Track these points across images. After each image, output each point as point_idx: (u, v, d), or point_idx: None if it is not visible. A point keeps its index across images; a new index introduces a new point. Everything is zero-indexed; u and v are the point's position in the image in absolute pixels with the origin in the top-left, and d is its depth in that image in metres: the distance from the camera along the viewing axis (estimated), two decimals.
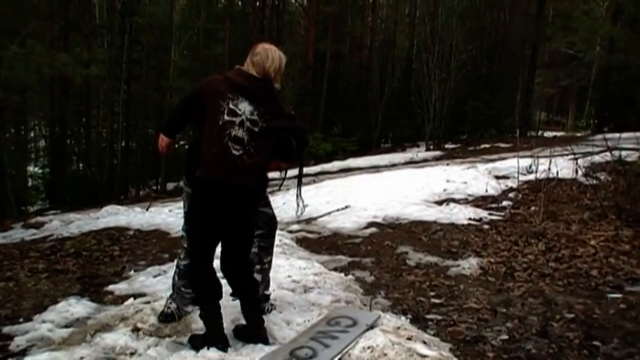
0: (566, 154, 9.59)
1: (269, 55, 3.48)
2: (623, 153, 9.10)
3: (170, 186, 15.98)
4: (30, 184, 19.58)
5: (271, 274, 4.93)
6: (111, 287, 5.02)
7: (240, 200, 3.44)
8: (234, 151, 3.31)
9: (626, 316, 4.08)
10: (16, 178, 16.62)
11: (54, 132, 19.31)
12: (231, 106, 3.34)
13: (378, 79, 22.36)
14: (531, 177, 9.34)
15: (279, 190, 9.57)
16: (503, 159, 12.33)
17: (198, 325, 3.87)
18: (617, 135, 10.87)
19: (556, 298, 4.44)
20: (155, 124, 19.34)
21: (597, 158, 10.33)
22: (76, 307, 4.45)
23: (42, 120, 24.80)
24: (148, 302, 4.43)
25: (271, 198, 9.49)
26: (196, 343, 3.51)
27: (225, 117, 3.32)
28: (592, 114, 31.00)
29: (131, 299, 4.57)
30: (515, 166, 9.31)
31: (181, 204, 9.43)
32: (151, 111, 19.16)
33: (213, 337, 3.48)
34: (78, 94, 19.05)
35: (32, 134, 28.62)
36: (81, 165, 18.42)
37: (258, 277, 4.02)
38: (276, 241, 6.14)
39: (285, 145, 3.52)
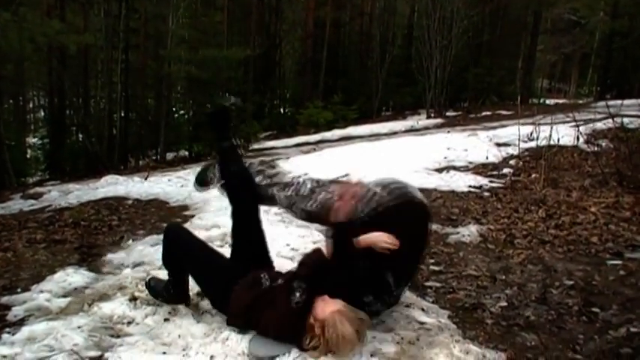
0: (568, 122, 9.51)
1: None
2: (626, 120, 9.02)
3: (169, 155, 15.95)
4: (29, 155, 19.54)
5: (270, 242, 4.93)
6: (109, 257, 4.99)
7: None
8: None
9: (626, 283, 4.07)
10: (15, 149, 16.55)
11: (52, 103, 19.20)
12: None
13: (379, 47, 22.13)
14: (532, 144, 9.29)
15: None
16: (505, 126, 12.27)
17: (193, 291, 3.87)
18: (619, 102, 10.80)
19: (556, 265, 4.42)
20: (154, 94, 19.22)
21: (599, 125, 10.27)
22: (74, 276, 4.43)
23: (40, 91, 24.67)
24: (146, 271, 4.42)
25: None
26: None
27: None
28: (594, 81, 30.79)
29: (129, 269, 4.56)
30: (516, 134, 9.24)
31: (180, 173, 9.41)
32: (149, 80, 19.01)
33: None
34: (76, 65, 18.90)
35: (31, 105, 28.51)
36: (80, 135, 18.33)
37: None
38: (275, 209, 6.13)
39: None
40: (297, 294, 3.09)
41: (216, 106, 3.89)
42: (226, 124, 3.89)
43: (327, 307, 2.93)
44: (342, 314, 2.89)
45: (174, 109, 19.90)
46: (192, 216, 6.30)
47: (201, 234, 5.24)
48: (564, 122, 9.77)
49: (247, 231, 3.63)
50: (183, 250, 3.59)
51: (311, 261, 3.29)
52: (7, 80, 16.77)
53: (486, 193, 6.81)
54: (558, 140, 8.65)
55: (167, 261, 3.71)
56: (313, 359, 2.90)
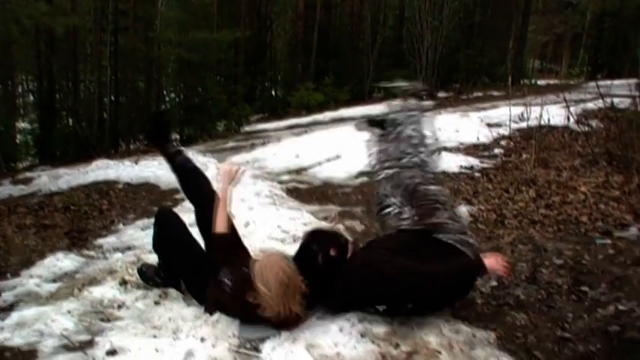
0: (559, 102, 9.50)
1: None
2: (616, 100, 9.02)
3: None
4: (19, 139, 19.39)
5: (260, 225, 4.94)
6: (99, 241, 5.00)
7: None
8: None
9: (615, 262, 4.08)
10: (4, 134, 16.44)
11: (41, 86, 19.02)
12: None
13: (370, 28, 22.02)
14: (523, 125, 9.27)
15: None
16: (496, 107, 12.24)
17: None
18: (609, 82, 10.79)
19: (545, 244, 4.43)
20: (144, 77, 19.06)
21: (590, 105, 10.28)
22: (64, 261, 4.44)
23: (29, 75, 24.44)
24: (137, 255, 4.41)
25: (262, 149, 9.50)
26: None
27: None
28: (586, 61, 30.78)
29: (119, 253, 4.55)
30: (507, 114, 9.22)
31: None
32: (140, 63, 18.84)
33: None
34: (64, 48, 18.69)
35: (20, 89, 28.26)
36: (70, 120, 18.19)
37: None
38: (266, 192, 6.16)
39: None
40: (225, 280, 3.19)
41: (153, 117, 3.96)
42: (165, 129, 4.02)
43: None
44: (263, 265, 2.99)
45: (164, 92, 19.77)
46: (183, 199, 6.27)
47: (190, 217, 5.24)
48: (555, 103, 9.76)
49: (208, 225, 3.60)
50: (173, 236, 3.58)
51: (216, 245, 3.44)
52: None
53: (477, 174, 6.81)
54: (549, 120, 8.64)
55: (157, 246, 3.70)
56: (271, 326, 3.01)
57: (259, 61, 22.24)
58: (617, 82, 10.83)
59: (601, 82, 13.58)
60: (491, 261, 3.01)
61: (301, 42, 21.59)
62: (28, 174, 9.95)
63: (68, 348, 3.03)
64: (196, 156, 9.16)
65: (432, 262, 2.96)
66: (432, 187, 3.43)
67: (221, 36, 15.95)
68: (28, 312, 3.45)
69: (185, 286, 3.61)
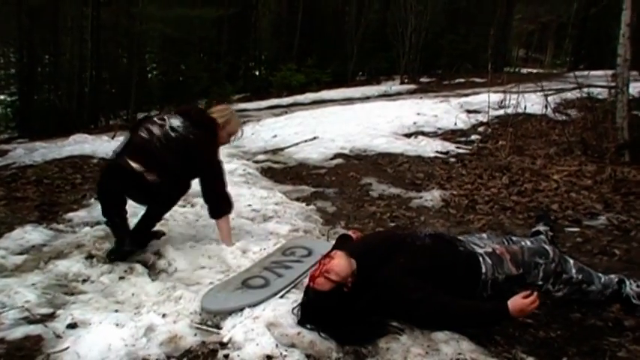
0: (539, 90, 9.55)
1: None
2: (597, 90, 9.08)
3: (140, 115, 15.66)
4: None
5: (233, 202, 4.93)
6: (69, 215, 4.94)
7: None
8: None
9: (581, 250, 4.14)
10: None
11: (22, 59, 18.73)
12: None
13: (355, 10, 21.92)
14: (502, 112, 9.33)
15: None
16: (477, 94, 12.28)
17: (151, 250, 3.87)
18: (589, 72, 10.85)
19: (515, 230, 4.47)
20: (127, 53, 18.83)
21: (569, 95, 10.34)
22: (32, 234, 4.39)
23: (10, 47, 24.05)
24: (105, 230, 4.38)
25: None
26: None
27: None
28: (570, 51, 30.87)
29: (88, 227, 4.52)
30: (487, 101, 9.28)
31: None
32: (121, 39, 18.60)
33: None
34: (46, 20, 18.39)
35: (2, 61, 27.83)
36: (50, 93, 17.95)
37: None
38: (240, 171, 6.14)
39: None
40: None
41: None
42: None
43: None
44: None
45: (147, 69, 19.56)
46: None
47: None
48: (536, 91, 9.81)
49: None
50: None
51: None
52: None
53: (452, 159, 6.84)
54: (525, 108, 8.71)
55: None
56: None
57: (243, 40, 22.04)
58: (596, 72, 10.93)
59: (584, 72, 13.70)
60: (517, 308, 2.77)
61: (285, 21, 21.45)
62: (4, 146, 9.86)
63: (29, 320, 3.00)
64: None
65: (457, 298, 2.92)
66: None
67: (204, 12, 15.79)
68: None
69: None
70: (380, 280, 2.93)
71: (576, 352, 2.85)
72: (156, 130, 3.82)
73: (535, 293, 2.81)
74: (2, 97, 21.24)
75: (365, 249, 3.16)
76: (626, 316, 3.14)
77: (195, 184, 4.05)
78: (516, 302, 2.78)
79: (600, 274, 3.27)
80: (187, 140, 3.83)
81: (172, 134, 3.81)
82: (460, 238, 3.27)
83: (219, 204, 3.97)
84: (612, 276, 3.31)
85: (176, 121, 3.88)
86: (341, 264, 2.90)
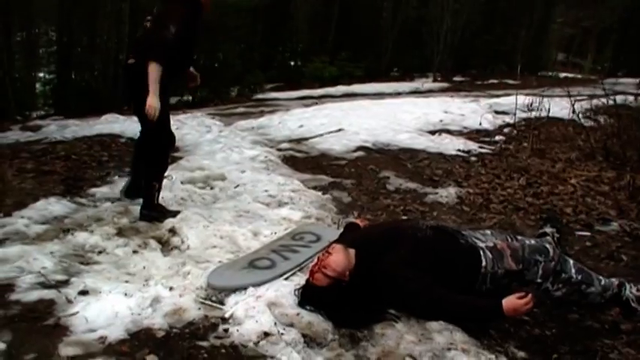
0: (569, 95, 9.48)
1: None
2: (630, 98, 8.99)
3: (173, 100, 15.87)
4: (38, 89, 19.53)
5: (249, 188, 5.06)
6: (93, 190, 5.11)
7: None
8: None
9: (589, 254, 4.17)
10: (21, 82, 16.57)
11: (61, 39, 19.07)
12: None
13: (392, 6, 21.85)
14: (531, 114, 9.30)
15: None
16: (509, 95, 12.20)
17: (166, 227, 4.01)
18: (629, 80, 10.75)
19: (525, 231, 4.50)
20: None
21: (603, 101, 10.22)
22: (56, 206, 4.56)
23: (51, 26, 24.47)
24: (125, 206, 4.54)
25: (270, 116, 9.56)
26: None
27: None
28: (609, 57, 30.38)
29: (109, 202, 4.68)
30: (518, 103, 9.25)
31: (180, 117, 9.47)
32: None
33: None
34: (86, 3, 18.70)
35: (45, 40, 28.30)
36: (86, 74, 18.26)
37: None
38: (262, 157, 6.26)
39: None
40: None
41: None
42: None
43: None
44: None
45: None
46: (181, 158, 6.39)
47: (185, 175, 5.38)
48: (570, 96, 9.73)
49: None
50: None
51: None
52: (16, 12, 16.66)
53: (473, 158, 6.87)
54: (550, 112, 8.68)
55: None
56: None
57: (279, 30, 22.13)
58: (631, 80, 10.80)
59: (621, 80, 13.56)
60: (511, 307, 2.86)
61: (321, 14, 21.48)
62: (39, 122, 10.11)
63: (44, 285, 3.16)
64: (204, 119, 9.30)
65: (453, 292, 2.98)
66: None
67: (239, 1, 15.91)
68: (12, 249, 3.59)
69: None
70: (379, 271, 3.02)
71: (568, 350, 2.90)
72: (146, 24, 4.30)
73: (530, 295, 2.88)
74: (41, 74, 21.69)
75: (366, 239, 3.25)
76: (624, 319, 3.18)
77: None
78: (510, 302, 2.86)
79: (601, 277, 3.31)
80: (158, 12, 4.25)
81: (150, 17, 4.27)
82: (462, 232, 3.33)
83: (149, 47, 4.08)
84: (613, 279, 3.34)
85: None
86: (338, 260, 3.00)
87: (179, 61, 4.25)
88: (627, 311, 3.23)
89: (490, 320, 2.97)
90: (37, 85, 19.57)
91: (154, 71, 3.99)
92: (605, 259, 4.08)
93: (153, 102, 4.02)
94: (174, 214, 4.29)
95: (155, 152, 4.42)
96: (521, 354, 2.81)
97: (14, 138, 7.91)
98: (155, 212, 4.30)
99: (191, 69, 4.66)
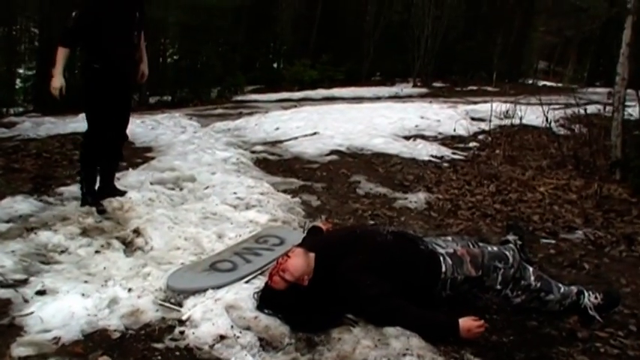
0: (544, 104, 9.56)
1: None
2: (609, 108, 9.09)
3: (153, 100, 15.85)
4: (18, 86, 19.33)
5: (218, 189, 5.05)
6: (61, 189, 5.08)
7: None
8: None
9: (553, 261, 4.20)
10: (1, 78, 16.43)
11: (42, 34, 18.89)
12: None
13: (375, 10, 21.89)
14: (507, 122, 9.37)
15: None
16: (486, 102, 12.28)
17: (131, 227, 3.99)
18: (605, 90, 10.85)
19: (491, 237, 4.53)
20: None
21: (578, 110, 10.32)
22: (22, 204, 4.53)
23: (31, 21, 24.24)
24: (94, 207, 4.52)
25: (247, 118, 9.55)
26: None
27: None
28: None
29: (76, 201, 4.65)
30: (494, 110, 9.32)
31: (157, 117, 9.42)
32: None
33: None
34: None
35: (27, 36, 28.02)
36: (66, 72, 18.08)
37: None
38: (234, 159, 6.25)
39: None
40: None
41: None
42: None
43: None
44: None
45: (167, 54, 19.62)
46: (153, 158, 6.38)
47: (155, 175, 5.36)
48: (547, 104, 9.80)
49: None
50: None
51: None
52: None
53: (445, 164, 6.92)
54: (523, 120, 8.73)
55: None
56: None
57: (261, 32, 22.08)
58: (607, 89, 10.91)
59: (598, 89, 13.70)
60: (466, 326, 2.92)
61: (303, 16, 21.48)
62: (14, 119, 10.03)
63: (1, 284, 3.15)
64: (181, 119, 9.27)
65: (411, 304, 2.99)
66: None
67: (221, 2, 15.85)
68: None
69: None
70: (338, 275, 3.03)
71: (524, 357, 2.91)
72: None
73: (483, 321, 2.96)
74: (21, 71, 21.47)
75: (326, 243, 3.27)
76: (581, 327, 3.20)
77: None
78: (466, 322, 2.92)
79: (560, 285, 3.35)
80: None
81: None
82: (423, 238, 3.36)
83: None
84: (572, 287, 3.38)
85: None
86: (296, 264, 3.01)
87: (100, 43, 4.32)
88: (585, 319, 3.26)
89: (444, 338, 2.97)
90: (17, 82, 19.35)
91: (57, 53, 4.31)
92: (567, 267, 4.11)
93: (54, 82, 4.31)
94: (99, 206, 4.47)
95: (84, 142, 4.66)
96: None
97: None
98: (88, 197, 4.55)
99: (142, 65, 4.76)
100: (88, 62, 4.47)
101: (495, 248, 3.37)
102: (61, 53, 4.29)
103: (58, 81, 4.29)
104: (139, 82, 4.92)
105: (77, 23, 4.30)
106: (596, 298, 3.31)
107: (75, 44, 4.45)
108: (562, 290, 3.29)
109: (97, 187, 4.68)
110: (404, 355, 2.73)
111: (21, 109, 16.83)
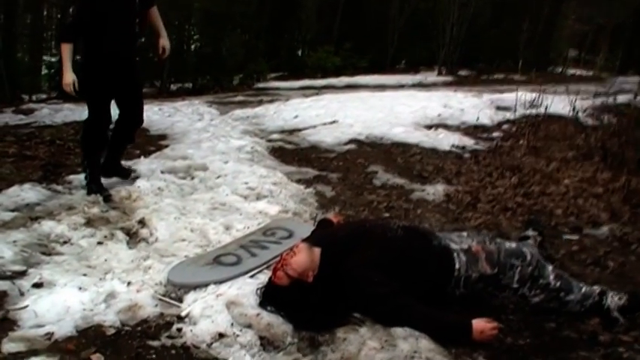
0: (572, 93, 9.28)
1: None
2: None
3: (175, 87, 15.79)
4: (44, 73, 19.50)
5: (229, 179, 4.92)
6: (71, 177, 5.01)
7: None
8: None
9: (575, 258, 4.00)
10: (23, 64, 16.57)
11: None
12: None
13: None
14: (533, 111, 9.10)
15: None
16: (512, 91, 12.00)
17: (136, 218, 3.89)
18: (637, 78, 10.52)
19: (510, 233, 4.34)
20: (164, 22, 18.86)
21: (607, 99, 10.03)
22: (29, 192, 4.47)
23: (57, 9, 24.39)
24: (99, 195, 4.44)
25: (267, 106, 9.44)
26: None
27: None
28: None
29: (84, 190, 4.57)
30: (520, 99, 9.05)
31: (177, 104, 9.34)
32: (162, 7, 18.63)
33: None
34: None
35: (52, 24, 28.24)
36: None
37: None
38: (248, 148, 6.13)
39: None
40: None
41: None
42: None
43: None
44: None
45: (191, 41, 19.58)
46: (167, 146, 6.28)
47: (166, 164, 5.26)
48: (575, 93, 9.52)
49: None
50: None
51: None
52: None
53: (467, 155, 6.71)
54: (546, 109, 8.45)
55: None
56: None
57: (285, 19, 21.89)
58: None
59: (630, 78, 13.33)
60: (479, 328, 2.77)
61: (327, 3, 21.21)
62: (33, 105, 10.02)
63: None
64: (200, 106, 9.18)
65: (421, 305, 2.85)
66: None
67: None
68: None
69: None
70: (344, 272, 2.89)
71: None
72: None
73: (496, 323, 2.80)
74: (46, 58, 21.63)
75: (333, 238, 3.12)
76: (603, 330, 3.02)
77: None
78: (479, 323, 2.77)
79: (582, 284, 3.17)
80: None
81: None
82: (436, 233, 3.20)
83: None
84: (595, 287, 3.19)
85: None
86: (299, 260, 2.87)
87: (99, 33, 4.29)
88: (607, 321, 3.08)
89: (455, 340, 2.80)
90: (43, 69, 19.49)
91: (61, 50, 4.36)
92: (590, 264, 3.91)
93: (65, 78, 4.28)
94: (105, 192, 4.48)
95: (84, 130, 4.63)
96: None
97: (4, 121, 7.84)
98: (92, 185, 4.53)
99: (161, 40, 4.76)
100: (87, 51, 4.46)
101: (513, 245, 3.20)
102: (65, 49, 4.30)
103: (68, 77, 4.27)
104: (160, 57, 4.88)
105: (76, 17, 4.42)
106: (620, 299, 3.12)
107: (76, 38, 4.40)
108: (583, 290, 3.11)
109: (102, 164, 4.75)
110: (412, 357, 2.58)
111: (44, 96, 16.94)
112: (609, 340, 2.93)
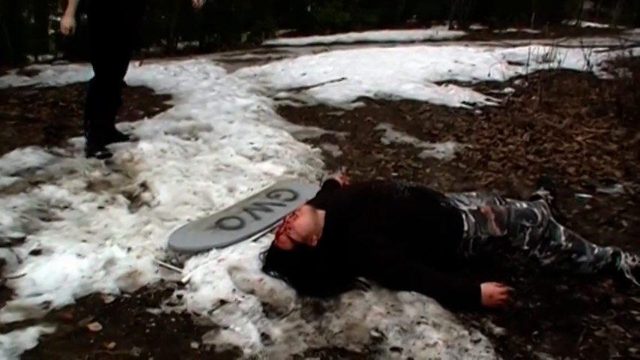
0: (586, 46, 9.03)
1: None
2: None
3: (182, 45, 15.57)
4: (51, 33, 19.34)
5: (234, 139, 4.83)
6: (73, 140, 4.94)
7: None
8: None
9: (588, 218, 3.89)
10: (29, 26, 16.43)
11: None
12: None
13: None
14: (545, 66, 8.88)
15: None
16: (525, 45, 11.73)
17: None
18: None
19: (522, 191, 4.23)
20: None
21: (623, 53, 9.77)
22: (30, 156, 4.41)
23: None
24: (102, 157, 4.36)
25: (274, 63, 9.29)
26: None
27: None
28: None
29: (84, 152, 4.50)
30: (533, 53, 8.82)
31: (183, 63, 9.20)
32: None
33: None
34: None
35: None
36: None
37: None
38: (254, 107, 6.01)
39: None
40: None
41: None
42: None
43: None
44: None
45: None
46: (171, 106, 6.17)
47: (170, 125, 5.17)
48: (589, 46, 9.27)
49: None
50: None
51: None
52: None
53: (478, 111, 6.55)
54: (559, 63, 8.21)
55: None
56: None
57: None
58: None
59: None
60: (488, 292, 2.69)
61: None
62: (37, 66, 9.88)
63: None
64: (206, 65, 9.03)
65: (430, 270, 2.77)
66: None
67: None
68: None
69: None
70: (349, 235, 2.80)
71: (550, 326, 2.66)
72: None
73: (507, 287, 2.73)
74: (53, 18, 21.44)
75: (338, 200, 3.03)
76: (616, 293, 2.93)
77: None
78: (488, 287, 2.69)
79: (594, 245, 3.07)
80: None
81: None
82: (445, 194, 3.10)
83: None
84: (607, 248, 3.10)
85: None
86: (303, 223, 2.78)
87: None
88: (620, 283, 2.99)
89: (463, 304, 2.73)
90: (49, 30, 19.32)
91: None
92: (603, 224, 3.80)
93: (63, 22, 4.32)
94: (104, 150, 4.47)
95: (94, 86, 4.57)
96: (498, 330, 2.57)
97: (8, 83, 7.73)
98: (92, 144, 4.50)
99: None
100: (94, 5, 4.33)
101: (524, 205, 3.11)
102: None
103: (68, 21, 4.28)
104: (195, 6, 4.81)
105: None
106: (634, 260, 3.03)
107: None
108: (596, 251, 3.02)
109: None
110: (418, 323, 2.50)
111: (50, 57, 16.80)
112: (622, 302, 2.84)
